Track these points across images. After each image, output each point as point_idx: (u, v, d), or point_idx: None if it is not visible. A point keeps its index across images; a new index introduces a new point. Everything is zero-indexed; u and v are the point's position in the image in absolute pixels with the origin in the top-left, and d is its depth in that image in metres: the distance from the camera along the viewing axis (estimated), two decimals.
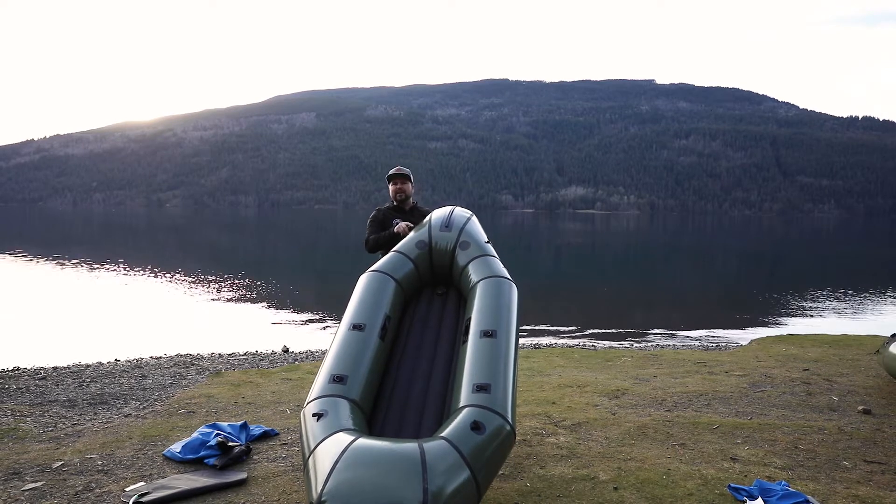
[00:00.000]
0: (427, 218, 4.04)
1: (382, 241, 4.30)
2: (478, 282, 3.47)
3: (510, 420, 2.70)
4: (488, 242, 3.83)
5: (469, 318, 3.26)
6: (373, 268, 3.62)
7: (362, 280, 3.53)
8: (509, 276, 3.57)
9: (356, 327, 3.16)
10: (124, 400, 5.01)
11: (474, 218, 4.04)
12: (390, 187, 4.48)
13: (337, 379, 2.85)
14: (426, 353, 3.38)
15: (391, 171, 4.48)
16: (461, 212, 4.02)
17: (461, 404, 2.72)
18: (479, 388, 2.73)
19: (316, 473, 2.35)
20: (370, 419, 2.95)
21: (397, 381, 3.21)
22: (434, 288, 3.81)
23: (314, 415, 2.67)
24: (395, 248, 3.79)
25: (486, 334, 3.05)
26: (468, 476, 2.37)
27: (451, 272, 3.74)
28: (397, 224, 4.28)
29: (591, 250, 36.92)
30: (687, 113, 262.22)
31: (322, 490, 2.23)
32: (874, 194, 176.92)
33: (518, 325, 3.31)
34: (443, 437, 2.48)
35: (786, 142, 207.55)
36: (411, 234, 3.90)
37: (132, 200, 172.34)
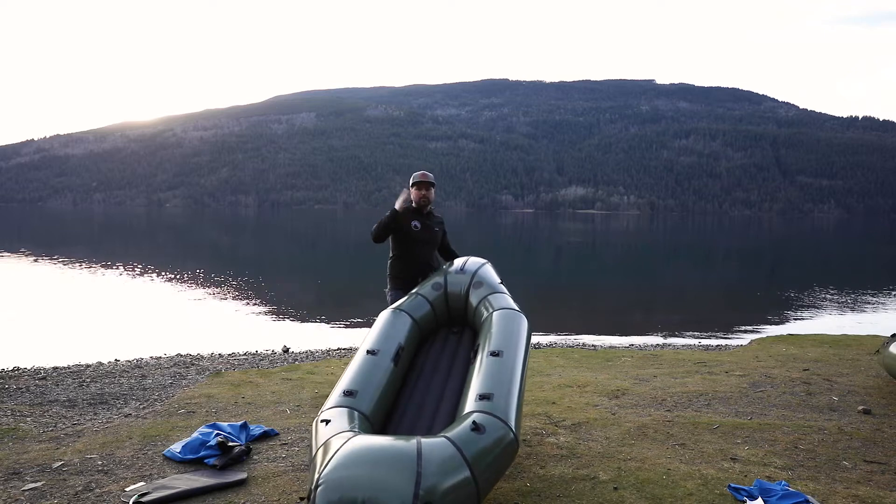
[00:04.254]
0: (444, 265, 4.25)
1: (385, 223, 4.38)
2: (489, 314, 3.64)
3: (513, 428, 2.75)
4: (501, 283, 4.02)
5: (478, 344, 3.41)
6: (391, 306, 3.86)
7: (381, 316, 3.74)
8: (520, 310, 3.69)
9: (370, 353, 3.33)
10: (124, 400, 5.01)
11: (489, 265, 4.22)
12: (413, 192, 4.51)
13: (348, 393, 3.00)
14: (438, 379, 3.53)
15: (417, 178, 4.54)
16: (476, 259, 4.26)
17: (465, 412, 2.81)
18: (483, 397, 2.83)
19: (315, 465, 2.47)
20: (379, 433, 3.03)
21: (409, 403, 3.36)
22: (450, 327, 3.99)
23: (323, 420, 2.81)
24: (413, 291, 4.02)
25: (494, 354, 3.17)
26: (467, 475, 2.41)
27: (465, 312, 3.92)
28: (401, 201, 4.39)
29: (592, 250, 36.92)
30: (687, 113, 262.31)
31: (318, 478, 2.32)
32: (874, 194, 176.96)
33: (527, 351, 3.40)
34: (443, 436, 2.55)
35: (786, 142, 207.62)
36: (429, 278, 4.12)
37: (132, 200, 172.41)
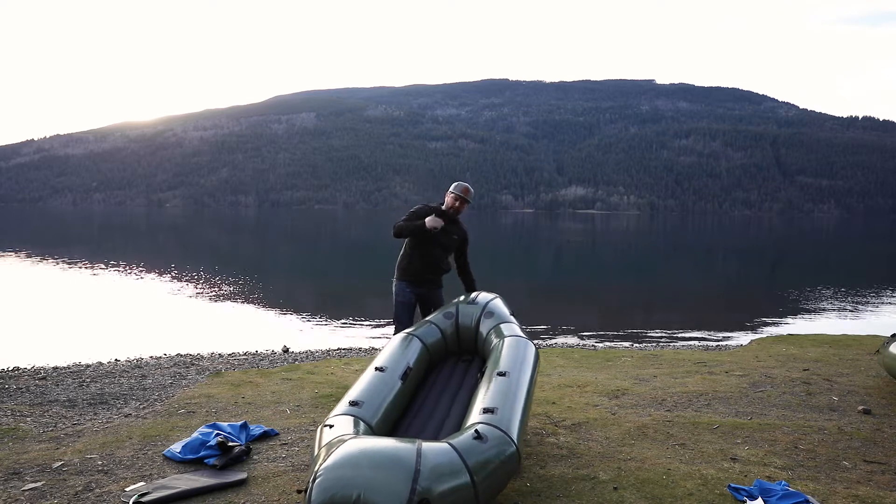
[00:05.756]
0: (456, 299, 4.42)
1: (410, 229, 4.57)
2: (498, 342, 3.74)
3: (515, 441, 2.76)
4: (512, 315, 4.17)
5: (486, 367, 3.51)
6: (404, 331, 4.02)
7: (392, 339, 3.91)
8: (528, 338, 3.82)
9: (378, 369, 3.41)
10: (124, 400, 5.01)
11: (499, 298, 4.38)
12: (450, 198, 4.72)
13: (353, 403, 3.05)
14: (446, 398, 3.63)
15: (460, 192, 4.71)
16: (487, 293, 4.45)
17: (469, 424, 2.86)
18: (487, 411, 2.89)
19: (316, 461, 2.50)
20: None
21: (415, 417, 3.44)
22: (460, 356, 4.14)
23: (327, 425, 2.85)
24: (425, 318, 4.21)
25: (501, 374, 3.25)
26: (466, 480, 2.41)
27: (475, 341, 4.07)
28: (431, 218, 4.54)
29: (592, 250, 36.91)
30: (687, 113, 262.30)
31: (317, 471, 2.34)
32: (874, 194, 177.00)
33: (534, 375, 3.48)
34: (445, 441, 2.58)
35: (786, 142, 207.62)
36: (441, 309, 4.29)
37: (132, 200, 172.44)
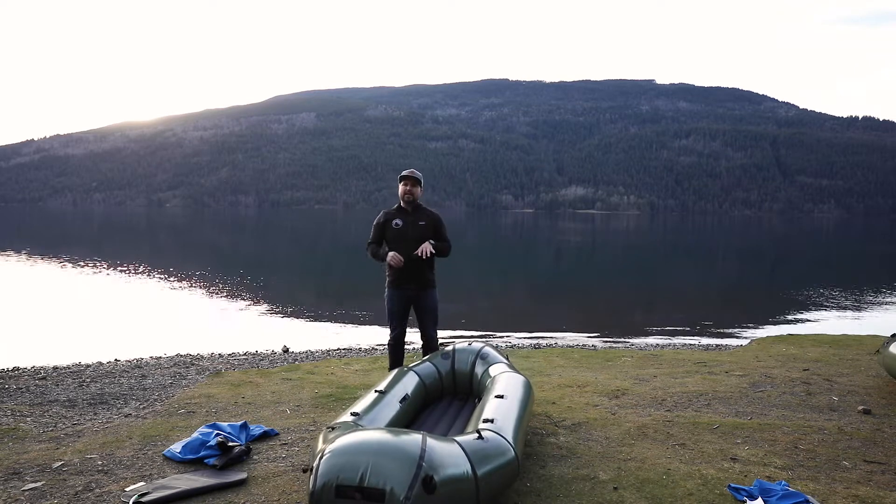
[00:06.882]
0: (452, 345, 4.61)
1: (376, 257, 4.73)
2: (493, 378, 3.91)
3: (513, 445, 2.84)
4: (507, 358, 4.38)
5: (483, 395, 3.66)
6: (403, 367, 4.25)
7: (391, 372, 4.13)
8: (522, 374, 3.99)
9: (378, 392, 3.55)
10: (124, 400, 5.01)
11: (490, 346, 4.62)
12: (401, 187, 4.71)
13: (354, 415, 3.16)
14: (442, 426, 3.78)
15: (404, 172, 4.73)
16: (479, 343, 4.66)
17: (469, 431, 2.97)
18: (486, 421, 3.01)
19: (318, 448, 2.63)
20: None
21: None
22: (455, 395, 4.34)
23: (329, 427, 2.93)
24: (424, 358, 4.44)
25: (498, 396, 3.41)
26: (468, 469, 2.50)
27: (471, 382, 4.26)
28: (391, 256, 4.56)
29: (592, 250, 36.91)
30: (687, 113, 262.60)
31: (324, 450, 2.44)
32: (874, 194, 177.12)
33: (528, 402, 3.59)
34: (448, 437, 2.70)
35: (786, 142, 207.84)
36: (439, 351, 4.49)
37: (132, 200, 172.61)
